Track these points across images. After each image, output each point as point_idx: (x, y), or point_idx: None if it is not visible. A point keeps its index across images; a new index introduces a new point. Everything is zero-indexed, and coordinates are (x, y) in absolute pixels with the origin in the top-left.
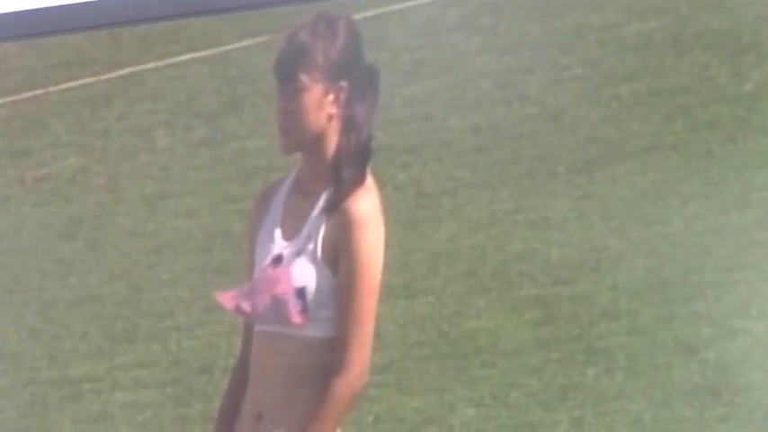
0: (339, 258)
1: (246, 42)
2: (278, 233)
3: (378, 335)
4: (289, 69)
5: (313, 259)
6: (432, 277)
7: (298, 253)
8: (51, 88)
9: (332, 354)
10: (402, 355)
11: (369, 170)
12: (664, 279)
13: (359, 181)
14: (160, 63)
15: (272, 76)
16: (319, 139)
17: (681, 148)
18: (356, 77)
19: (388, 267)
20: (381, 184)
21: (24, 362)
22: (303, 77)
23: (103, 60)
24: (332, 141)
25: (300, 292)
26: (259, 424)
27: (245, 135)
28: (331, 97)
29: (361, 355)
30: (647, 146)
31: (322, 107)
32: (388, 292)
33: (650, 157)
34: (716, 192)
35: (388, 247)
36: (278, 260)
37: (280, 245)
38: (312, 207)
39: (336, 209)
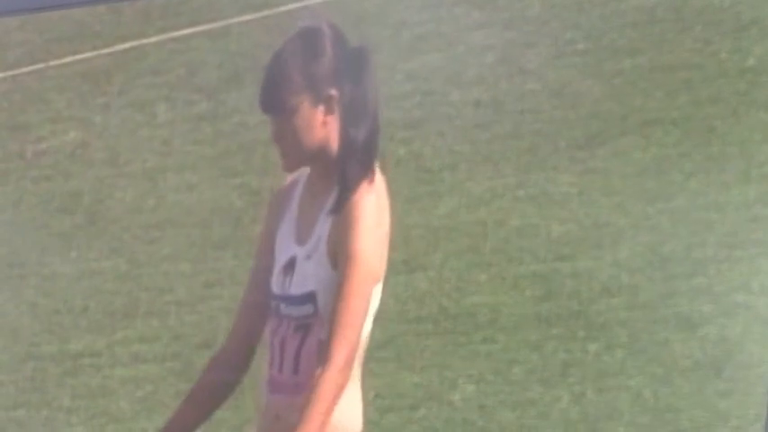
0: (338, 256)
1: (248, 17)
2: (292, 236)
3: (378, 310)
4: (272, 98)
5: (322, 261)
6: (432, 253)
7: (309, 256)
8: (52, 63)
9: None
10: (402, 331)
11: (376, 165)
12: (665, 255)
13: (363, 177)
14: (161, 37)
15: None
16: (320, 148)
17: (683, 123)
18: (345, 80)
19: (388, 242)
20: (381, 159)
21: (24, 336)
22: (288, 101)
23: (104, 34)
24: (333, 144)
25: (311, 297)
26: (276, 424)
27: (247, 109)
28: (322, 108)
29: (343, 351)
30: (649, 121)
31: (314, 120)
32: (387, 268)
33: (652, 132)
34: (718, 167)
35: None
36: (291, 265)
37: (293, 249)
38: (322, 208)
39: (341, 204)
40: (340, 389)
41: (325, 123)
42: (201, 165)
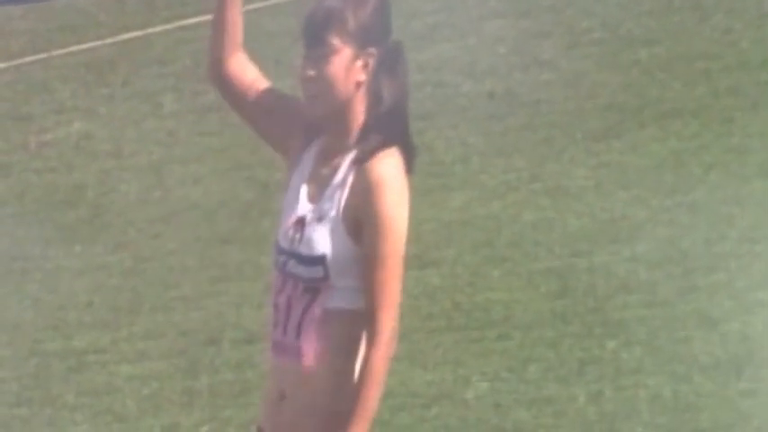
0: (362, 224)
1: (255, 5)
2: (304, 193)
3: None
4: (319, 31)
5: (335, 226)
6: (445, 247)
7: (320, 218)
8: (55, 52)
9: (362, 325)
10: (415, 328)
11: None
12: (684, 250)
13: (383, 146)
14: (167, 26)
15: (300, 40)
16: (347, 106)
17: (702, 114)
18: (385, 47)
19: None
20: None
21: (27, 332)
22: (333, 40)
23: (109, 24)
24: (359, 111)
25: (321, 259)
26: (281, 404)
27: None
28: (360, 63)
29: (390, 323)
30: (667, 112)
31: (351, 72)
32: None
33: (670, 123)
34: (738, 159)
35: None
36: (300, 223)
37: (304, 206)
38: (335, 174)
39: (359, 168)
40: (389, 360)
41: (358, 85)
42: (208, 157)
